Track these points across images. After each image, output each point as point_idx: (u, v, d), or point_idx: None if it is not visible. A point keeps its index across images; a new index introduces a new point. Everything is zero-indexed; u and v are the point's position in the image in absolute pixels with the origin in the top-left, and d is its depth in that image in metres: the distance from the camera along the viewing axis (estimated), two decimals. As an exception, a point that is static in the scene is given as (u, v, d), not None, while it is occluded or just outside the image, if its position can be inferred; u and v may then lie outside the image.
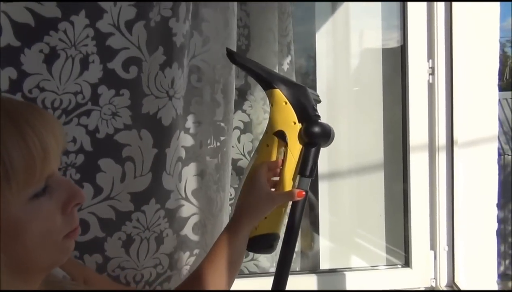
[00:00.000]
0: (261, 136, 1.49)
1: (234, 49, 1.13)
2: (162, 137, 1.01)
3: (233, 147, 1.53)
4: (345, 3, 1.67)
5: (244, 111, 1.54)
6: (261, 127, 1.50)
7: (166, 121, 1.01)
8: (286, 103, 0.89)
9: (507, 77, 20.02)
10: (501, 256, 6.22)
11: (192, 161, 1.10)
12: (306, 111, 0.89)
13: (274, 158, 0.92)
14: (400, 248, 1.58)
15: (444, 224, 1.47)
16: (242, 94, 1.54)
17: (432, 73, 1.47)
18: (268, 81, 0.91)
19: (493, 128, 1.49)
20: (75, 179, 0.94)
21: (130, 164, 0.98)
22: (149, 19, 0.97)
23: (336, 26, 1.70)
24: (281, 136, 0.91)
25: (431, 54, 1.46)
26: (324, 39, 1.66)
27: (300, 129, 0.88)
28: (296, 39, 1.59)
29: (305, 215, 1.76)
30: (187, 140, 1.09)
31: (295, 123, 0.89)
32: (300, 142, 0.89)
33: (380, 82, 1.60)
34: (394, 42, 1.56)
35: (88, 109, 0.95)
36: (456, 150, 1.46)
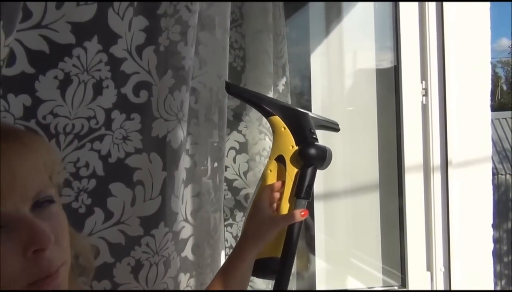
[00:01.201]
0: (256, 157, 1.51)
1: (227, 70, 1.18)
2: (171, 160, 1.02)
3: (228, 167, 1.53)
4: (339, 25, 1.69)
5: (239, 132, 1.54)
6: (257, 147, 1.50)
7: (175, 144, 1.01)
8: (284, 128, 0.90)
9: (499, 98, 20.33)
10: (497, 276, 6.20)
11: (190, 182, 1.11)
12: (303, 133, 0.90)
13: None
14: (396, 269, 1.57)
15: (440, 244, 1.47)
16: (238, 115, 1.54)
17: (426, 94, 1.49)
18: (266, 109, 0.92)
19: (487, 149, 1.50)
20: (87, 204, 0.94)
21: (140, 188, 0.99)
22: (159, 44, 0.99)
23: (331, 47, 1.72)
24: (282, 161, 0.91)
25: (424, 76, 1.48)
26: (318, 60, 1.67)
27: (295, 152, 0.89)
28: (291, 60, 1.61)
29: (301, 235, 1.75)
30: (186, 161, 1.10)
31: (292, 147, 0.90)
32: (296, 165, 0.89)
33: (375, 103, 1.62)
34: (387, 62, 1.58)
35: (101, 134, 0.95)
36: (450, 170, 1.46)
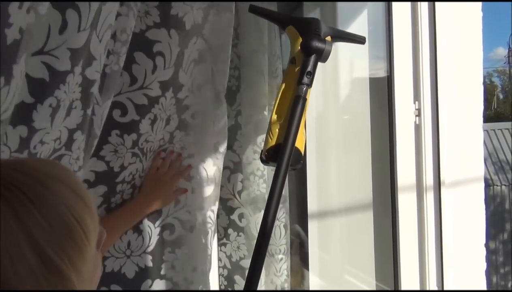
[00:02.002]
0: (251, 177, 1.52)
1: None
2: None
3: (222, 186, 1.54)
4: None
5: (234, 151, 1.55)
6: (251, 167, 1.51)
7: None
8: (297, 35, 1.07)
9: (495, 107, 20.43)
10: (494, 286, 6.19)
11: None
12: (307, 32, 1.05)
13: (293, 80, 1.05)
14: (390, 287, 1.57)
15: (433, 263, 1.48)
16: (232, 134, 1.55)
17: (419, 114, 1.50)
18: (283, 21, 1.14)
19: (479, 169, 1.52)
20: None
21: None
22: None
23: (326, 73, 1.73)
24: (293, 61, 1.07)
25: (417, 96, 1.50)
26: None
27: (300, 43, 1.04)
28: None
29: (295, 252, 1.76)
30: None
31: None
32: (301, 59, 1.04)
33: (369, 127, 1.62)
34: (381, 80, 1.59)
35: (60, 155, 0.95)
36: (443, 190, 1.47)
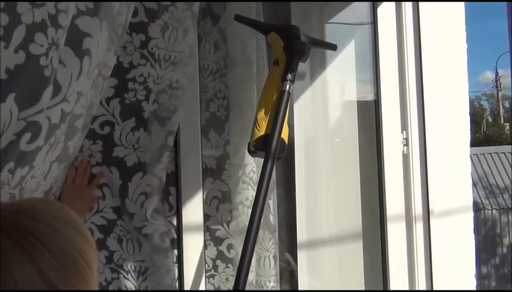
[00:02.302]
0: (239, 206, 1.51)
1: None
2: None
3: (211, 216, 1.52)
4: (323, 74, 1.72)
5: (222, 181, 1.54)
6: (240, 197, 1.50)
7: None
8: (279, 39, 1.22)
9: (485, 130, 20.67)
10: (487, 311, 6.14)
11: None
12: (288, 38, 1.20)
13: (276, 79, 1.20)
14: (380, 317, 1.55)
15: (424, 294, 1.46)
16: (221, 164, 1.55)
17: (406, 144, 1.51)
18: (266, 28, 1.29)
19: (468, 198, 1.52)
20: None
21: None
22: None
23: (314, 95, 1.75)
24: (275, 63, 1.22)
25: (404, 126, 1.51)
26: (302, 109, 1.69)
27: (283, 46, 1.20)
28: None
29: (285, 281, 1.73)
30: None
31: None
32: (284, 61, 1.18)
33: (357, 157, 1.63)
34: (369, 116, 1.60)
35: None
36: (432, 220, 1.47)
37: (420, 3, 1.48)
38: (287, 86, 1.16)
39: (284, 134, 1.19)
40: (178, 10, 1.32)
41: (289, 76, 1.16)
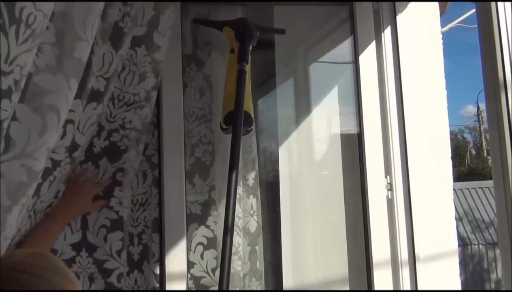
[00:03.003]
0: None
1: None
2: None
3: (195, 263, 1.49)
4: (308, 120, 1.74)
5: (207, 227, 1.52)
6: (225, 243, 1.48)
7: None
8: (231, 31, 1.41)
9: (469, 163, 20.96)
10: None
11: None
12: (239, 28, 1.40)
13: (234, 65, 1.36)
14: None
15: (412, 341, 1.44)
16: (206, 209, 1.53)
17: (391, 189, 1.52)
18: (220, 25, 1.46)
19: (453, 243, 1.52)
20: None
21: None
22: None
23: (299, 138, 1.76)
24: (232, 51, 1.40)
25: (388, 171, 1.52)
26: (286, 154, 1.70)
27: (235, 34, 1.40)
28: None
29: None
30: None
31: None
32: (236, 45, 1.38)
33: (342, 203, 1.63)
34: (354, 165, 1.61)
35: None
36: (418, 265, 1.47)
37: (400, 40, 1.52)
38: (244, 65, 1.34)
39: (248, 108, 1.36)
40: (138, 55, 1.33)
41: (244, 57, 1.35)
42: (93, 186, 1.30)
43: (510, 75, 1.03)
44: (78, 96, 0.98)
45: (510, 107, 1.03)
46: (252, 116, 1.38)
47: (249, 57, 1.37)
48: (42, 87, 0.86)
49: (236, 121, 1.27)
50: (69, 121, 1.01)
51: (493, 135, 1.17)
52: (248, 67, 1.37)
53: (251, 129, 1.43)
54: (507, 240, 1.18)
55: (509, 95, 1.04)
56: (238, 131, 1.25)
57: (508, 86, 1.03)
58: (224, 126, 1.36)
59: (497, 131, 1.12)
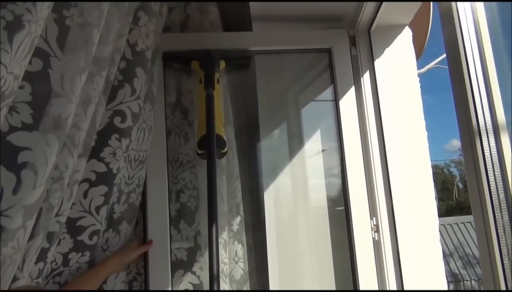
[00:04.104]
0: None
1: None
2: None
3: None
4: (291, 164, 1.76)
5: (193, 273, 1.50)
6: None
7: None
8: (197, 63, 1.52)
9: (456, 197, 21.05)
10: None
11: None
12: (204, 57, 1.51)
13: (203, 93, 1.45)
14: None
15: None
16: (191, 255, 1.51)
17: (377, 230, 1.52)
18: (187, 59, 1.55)
19: (442, 284, 1.51)
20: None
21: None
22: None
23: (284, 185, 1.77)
24: (200, 81, 1.49)
25: (373, 212, 1.53)
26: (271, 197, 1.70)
27: (199, 65, 1.51)
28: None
29: None
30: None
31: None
32: (202, 75, 1.48)
33: (329, 241, 1.62)
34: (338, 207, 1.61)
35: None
36: (408, 308, 1.45)
37: (378, 83, 1.56)
38: (210, 91, 1.43)
39: (220, 131, 1.44)
40: (146, 111, 1.35)
41: (209, 83, 1.44)
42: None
43: (482, 115, 1.06)
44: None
45: (484, 147, 1.05)
46: (224, 138, 1.46)
47: (215, 83, 1.46)
48: (15, 145, 0.85)
49: (210, 144, 1.34)
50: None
51: (470, 174, 1.18)
52: (217, 93, 1.47)
53: (225, 151, 1.50)
54: (490, 277, 1.18)
55: (483, 135, 1.07)
56: (212, 153, 1.32)
57: (481, 126, 1.05)
58: (199, 151, 1.44)
59: (474, 171, 1.14)
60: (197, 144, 1.43)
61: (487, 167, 1.00)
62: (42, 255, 1.04)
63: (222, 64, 1.55)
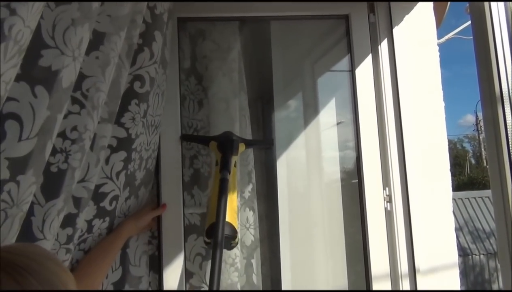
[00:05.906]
0: (223, 264, 1.47)
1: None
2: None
3: (194, 274, 1.49)
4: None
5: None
6: (224, 255, 1.47)
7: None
8: (215, 144, 1.42)
9: (468, 172, 20.91)
10: None
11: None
12: (222, 144, 1.41)
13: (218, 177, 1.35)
14: None
15: None
16: (204, 220, 1.53)
17: (389, 200, 1.51)
18: (206, 140, 1.47)
19: (453, 255, 1.51)
20: None
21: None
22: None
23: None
24: (216, 163, 1.41)
25: (386, 183, 1.52)
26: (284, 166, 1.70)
27: (217, 147, 1.42)
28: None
29: None
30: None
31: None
32: (220, 157, 1.40)
33: (341, 215, 1.62)
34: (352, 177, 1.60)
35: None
36: (419, 278, 1.45)
37: (396, 52, 1.53)
38: (225, 174, 1.33)
39: (232, 219, 1.31)
40: (159, 75, 1.33)
41: (225, 166, 1.35)
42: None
43: (506, 85, 1.03)
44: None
45: (507, 117, 1.03)
46: (237, 228, 1.32)
47: (232, 167, 1.36)
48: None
49: (217, 233, 1.20)
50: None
51: (491, 145, 1.16)
52: (233, 177, 1.37)
53: (236, 242, 1.35)
54: (506, 251, 1.17)
55: (506, 105, 1.04)
56: (218, 249, 1.18)
57: (504, 96, 1.03)
58: (206, 240, 1.31)
59: (495, 141, 1.11)
60: (205, 233, 1.30)
61: (509, 137, 0.98)
62: (70, 221, 1.05)
63: (242, 147, 1.46)
